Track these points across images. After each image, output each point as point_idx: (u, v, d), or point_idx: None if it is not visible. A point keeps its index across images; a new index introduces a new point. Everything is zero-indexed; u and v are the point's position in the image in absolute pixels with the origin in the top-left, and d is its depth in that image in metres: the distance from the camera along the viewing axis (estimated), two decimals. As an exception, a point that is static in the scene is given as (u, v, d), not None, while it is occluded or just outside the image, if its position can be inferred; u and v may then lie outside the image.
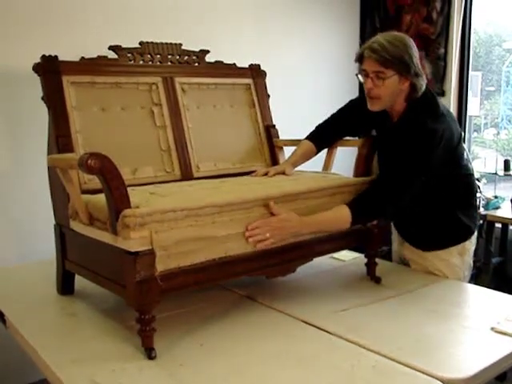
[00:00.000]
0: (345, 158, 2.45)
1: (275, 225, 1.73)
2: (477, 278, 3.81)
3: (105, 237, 1.57)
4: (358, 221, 1.92)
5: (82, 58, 2.04)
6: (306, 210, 1.85)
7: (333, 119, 2.30)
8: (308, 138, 2.28)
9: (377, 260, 2.14)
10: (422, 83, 1.97)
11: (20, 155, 2.81)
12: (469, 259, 2.20)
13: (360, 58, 1.97)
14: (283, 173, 2.11)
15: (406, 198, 1.94)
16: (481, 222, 3.83)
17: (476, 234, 2.21)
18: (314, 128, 2.32)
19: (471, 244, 2.19)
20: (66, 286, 2.03)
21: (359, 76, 2.00)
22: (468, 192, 2.17)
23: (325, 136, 2.28)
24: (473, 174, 2.20)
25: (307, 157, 2.26)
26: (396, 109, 2.03)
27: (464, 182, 2.14)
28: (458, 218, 2.13)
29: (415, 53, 1.94)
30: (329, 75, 4.23)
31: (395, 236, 2.37)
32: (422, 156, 1.91)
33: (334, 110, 2.33)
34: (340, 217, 1.87)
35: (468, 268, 2.21)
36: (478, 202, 2.32)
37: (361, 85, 2.07)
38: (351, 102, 2.30)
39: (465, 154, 2.16)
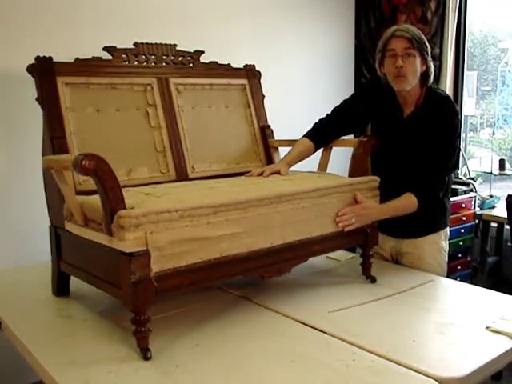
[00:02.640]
0: (339, 159, 2.45)
1: (359, 212, 1.99)
2: (472, 278, 3.82)
3: (100, 238, 1.56)
4: (423, 203, 2.08)
5: (77, 58, 2.04)
6: (303, 210, 1.85)
7: (331, 117, 2.33)
8: (306, 135, 2.30)
9: (372, 260, 2.14)
10: (433, 70, 2.17)
11: (18, 157, 2.81)
12: (447, 244, 2.38)
13: (387, 41, 2.11)
14: (278, 172, 2.12)
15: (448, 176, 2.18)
16: (476, 221, 3.85)
17: None
18: (311, 126, 2.33)
19: (448, 229, 2.39)
20: (61, 287, 2.02)
21: (387, 58, 2.12)
22: (451, 178, 2.32)
23: (324, 134, 2.30)
24: None
25: (304, 156, 2.27)
26: (413, 94, 2.16)
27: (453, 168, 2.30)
28: (444, 203, 2.29)
29: None
30: (324, 75, 4.24)
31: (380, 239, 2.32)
32: (456, 135, 2.13)
33: (330, 110, 2.33)
34: (410, 202, 2.08)
35: (447, 253, 2.37)
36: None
37: (357, 83, 2.14)
38: (345, 101, 2.34)
39: None
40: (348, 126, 2.34)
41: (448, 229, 2.37)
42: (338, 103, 2.34)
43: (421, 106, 2.17)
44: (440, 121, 2.10)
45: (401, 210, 2.10)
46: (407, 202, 2.08)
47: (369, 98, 2.30)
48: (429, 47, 2.12)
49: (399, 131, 2.20)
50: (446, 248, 2.35)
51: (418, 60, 2.09)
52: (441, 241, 2.32)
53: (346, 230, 1.96)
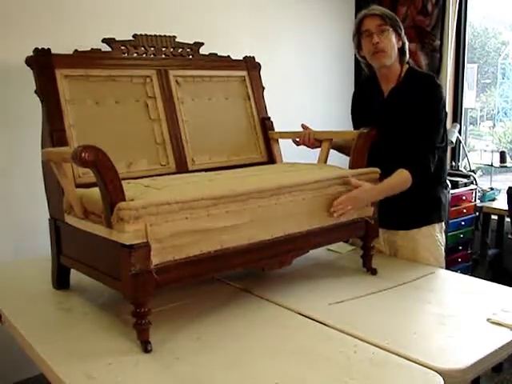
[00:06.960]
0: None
1: (355, 196, 1.95)
2: (473, 270, 3.82)
3: (99, 230, 1.56)
4: (416, 179, 2.06)
5: (76, 50, 2.03)
6: (303, 202, 1.84)
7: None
8: None
9: (372, 252, 2.14)
10: (408, 47, 2.24)
11: (17, 149, 2.80)
12: (444, 238, 2.35)
13: (360, 23, 2.19)
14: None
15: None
16: (477, 213, 3.85)
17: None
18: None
19: (443, 223, 2.36)
20: (61, 280, 2.02)
21: (364, 39, 2.18)
22: (443, 166, 2.30)
23: None
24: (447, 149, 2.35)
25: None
26: (393, 70, 2.23)
27: (443, 156, 2.27)
28: (437, 196, 2.29)
29: None
30: (324, 67, 4.22)
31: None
32: (441, 106, 2.15)
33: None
34: (403, 178, 2.05)
35: (444, 247, 2.35)
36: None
37: (357, 76, 2.13)
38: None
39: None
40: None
41: (443, 223, 2.34)
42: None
43: (402, 82, 2.21)
44: (424, 93, 2.13)
45: (397, 187, 2.07)
46: (401, 178, 2.06)
47: (356, 98, 2.43)
48: (400, 23, 2.19)
49: (381, 111, 2.23)
50: (443, 242, 2.32)
51: (393, 35, 2.16)
52: (436, 233, 2.29)
53: (342, 217, 1.94)
